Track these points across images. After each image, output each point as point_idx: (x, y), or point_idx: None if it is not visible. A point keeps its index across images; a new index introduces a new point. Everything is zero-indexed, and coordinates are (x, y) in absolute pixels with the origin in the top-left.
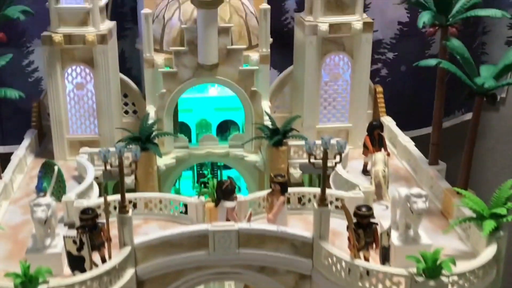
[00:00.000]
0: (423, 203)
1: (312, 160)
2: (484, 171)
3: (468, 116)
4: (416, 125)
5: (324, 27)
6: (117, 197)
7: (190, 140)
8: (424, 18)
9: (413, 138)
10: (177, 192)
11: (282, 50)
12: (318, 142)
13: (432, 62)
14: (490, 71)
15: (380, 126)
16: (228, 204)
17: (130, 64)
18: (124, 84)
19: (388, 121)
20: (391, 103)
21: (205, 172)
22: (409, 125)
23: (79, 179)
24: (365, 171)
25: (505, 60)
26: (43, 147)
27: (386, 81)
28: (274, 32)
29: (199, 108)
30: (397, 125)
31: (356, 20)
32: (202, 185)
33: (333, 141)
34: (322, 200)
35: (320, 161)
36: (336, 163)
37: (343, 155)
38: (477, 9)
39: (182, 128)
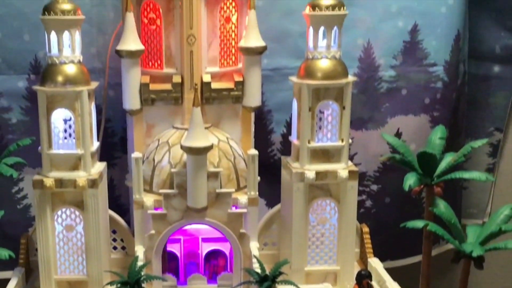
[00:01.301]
0: None
1: None
2: None
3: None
4: (402, 255)
5: (311, 174)
6: None
7: (177, 274)
8: (410, 181)
9: (399, 268)
10: None
11: (269, 179)
12: None
13: (419, 224)
14: (477, 234)
15: (369, 276)
16: None
17: (119, 191)
18: (113, 221)
19: (375, 263)
20: (377, 234)
21: None
22: (395, 255)
23: None
24: None
25: (490, 225)
26: (30, 284)
27: (371, 212)
28: (261, 163)
29: (187, 238)
30: (383, 255)
31: (341, 168)
32: None
33: None
34: None
35: None
36: None
37: None
38: (461, 171)
39: (169, 258)
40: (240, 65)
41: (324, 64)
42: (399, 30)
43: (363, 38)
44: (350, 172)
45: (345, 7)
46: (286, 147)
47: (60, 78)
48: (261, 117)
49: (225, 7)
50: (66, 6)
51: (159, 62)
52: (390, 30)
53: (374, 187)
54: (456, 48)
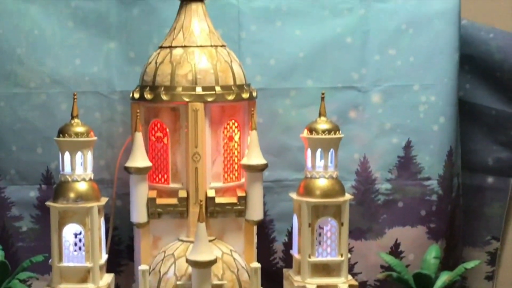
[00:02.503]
0: None
1: None
2: None
3: None
4: None
5: None
6: None
7: None
8: None
9: None
10: None
11: (272, 287)
12: None
13: None
14: None
15: None
16: None
17: None
18: None
19: None
20: None
21: None
22: None
23: None
24: None
25: None
26: None
27: None
28: (264, 272)
29: None
30: None
31: (341, 282)
32: None
33: None
34: None
35: None
36: None
37: None
38: None
39: None
40: (242, 180)
41: (322, 183)
42: (394, 146)
43: (359, 153)
44: (350, 286)
45: (340, 131)
46: (288, 255)
47: (72, 195)
48: (263, 226)
49: (228, 127)
50: (80, 129)
51: (165, 177)
52: (385, 146)
53: None
54: (449, 163)
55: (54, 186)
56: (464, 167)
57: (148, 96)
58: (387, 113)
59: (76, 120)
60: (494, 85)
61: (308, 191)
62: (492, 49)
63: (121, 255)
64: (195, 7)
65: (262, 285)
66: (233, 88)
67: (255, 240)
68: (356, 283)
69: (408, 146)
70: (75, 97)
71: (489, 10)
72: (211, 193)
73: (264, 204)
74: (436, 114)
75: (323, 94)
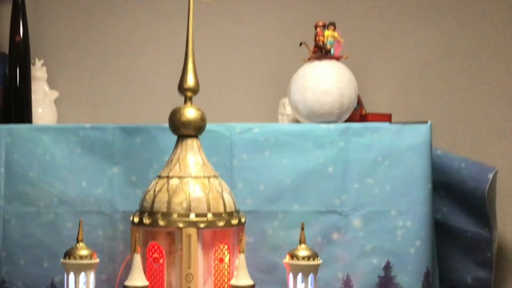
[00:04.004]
0: None
1: None
2: None
3: None
4: None
5: None
6: None
7: None
8: None
9: None
10: None
11: None
12: None
13: None
14: None
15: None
16: None
17: None
18: None
19: None
20: None
21: None
22: None
23: None
24: None
25: None
26: None
27: None
28: None
29: None
30: None
31: None
32: None
33: None
34: None
35: None
36: None
37: None
38: None
39: None
40: None
41: None
42: (374, 267)
43: (342, 272)
44: None
45: (318, 257)
46: None
47: None
48: None
49: (219, 250)
50: (84, 252)
51: None
52: (366, 266)
53: None
54: (426, 283)
55: None
56: (445, 285)
57: (146, 221)
58: (367, 236)
59: (81, 244)
60: (468, 210)
61: None
62: (465, 178)
63: None
64: (190, 142)
65: None
66: (223, 215)
67: None
68: None
69: (387, 267)
70: (80, 223)
71: (461, 142)
72: None
73: None
74: (412, 238)
75: (303, 224)
